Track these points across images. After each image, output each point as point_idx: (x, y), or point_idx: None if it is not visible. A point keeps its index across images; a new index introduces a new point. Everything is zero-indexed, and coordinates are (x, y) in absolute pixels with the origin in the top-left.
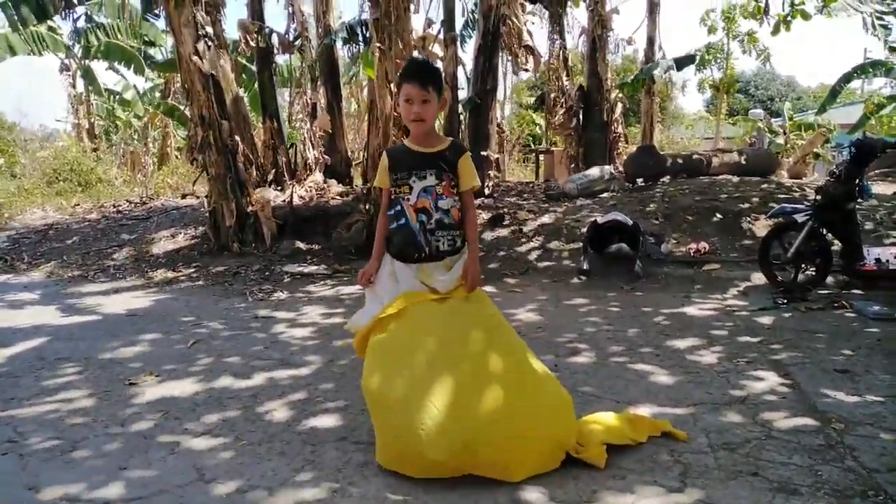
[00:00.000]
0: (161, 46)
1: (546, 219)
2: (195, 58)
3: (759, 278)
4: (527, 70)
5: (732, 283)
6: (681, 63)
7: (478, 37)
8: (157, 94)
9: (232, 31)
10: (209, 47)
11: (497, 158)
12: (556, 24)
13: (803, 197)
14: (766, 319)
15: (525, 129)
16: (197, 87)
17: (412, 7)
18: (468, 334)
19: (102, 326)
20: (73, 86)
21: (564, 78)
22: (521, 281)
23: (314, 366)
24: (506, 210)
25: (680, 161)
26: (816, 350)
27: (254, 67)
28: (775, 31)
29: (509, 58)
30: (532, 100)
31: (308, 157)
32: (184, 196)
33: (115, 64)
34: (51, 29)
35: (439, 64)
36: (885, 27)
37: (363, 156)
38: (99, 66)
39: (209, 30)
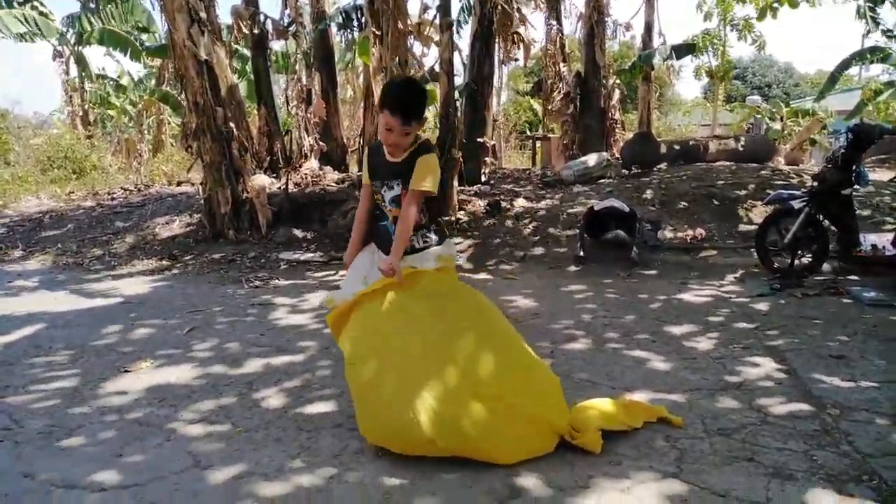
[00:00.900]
0: (154, 33)
1: (543, 205)
2: (189, 43)
3: (755, 265)
4: (516, 60)
5: (729, 270)
6: (680, 51)
7: (474, 22)
8: (152, 82)
9: (226, 17)
10: (203, 33)
11: (493, 145)
12: (553, 10)
13: (800, 183)
14: (762, 305)
15: (522, 115)
16: (191, 73)
17: None
18: (454, 318)
19: (98, 314)
20: (67, 72)
21: (562, 64)
22: (517, 268)
23: (310, 352)
24: (502, 197)
25: (677, 147)
26: (812, 336)
27: (248, 54)
28: (761, 17)
29: (503, 45)
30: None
31: (303, 144)
32: (179, 183)
33: (110, 50)
34: (43, 14)
35: (434, 50)
36: (875, 20)
37: (359, 142)
38: (94, 53)
39: (203, 15)
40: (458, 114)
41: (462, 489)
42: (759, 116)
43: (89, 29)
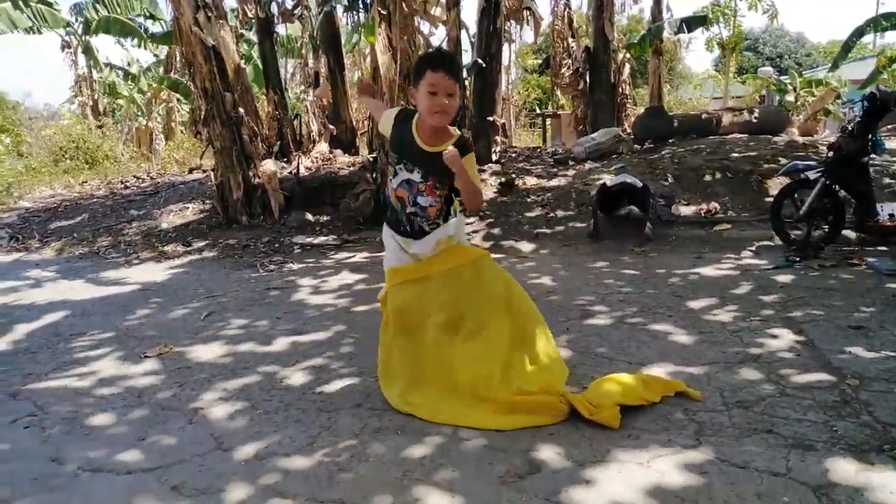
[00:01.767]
0: (161, 21)
1: (555, 183)
2: (195, 29)
3: (771, 237)
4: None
5: (745, 243)
6: (690, 23)
7: None
8: (161, 69)
9: (231, 2)
10: (209, 18)
11: (503, 123)
12: None
13: (816, 154)
14: (779, 278)
15: (531, 93)
16: (198, 59)
17: None
18: (444, 318)
19: (116, 301)
20: (75, 63)
21: (570, 39)
22: (531, 246)
23: (328, 333)
24: (514, 175)
25: (689, 121)
26: (830, 307)
27: (255, 38)
28: None
29: (512, 21)
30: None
31: (312, 128)
32: (190, 170)
33: (119, 39)
34: (48, 4)
35: (442, 28)
36: None
37: (368, 125)
38: (102, 43)
39: (208, 0)
40: (468, 92)
41: (481, 464)
42: (771, 88)
43: (95, 18)
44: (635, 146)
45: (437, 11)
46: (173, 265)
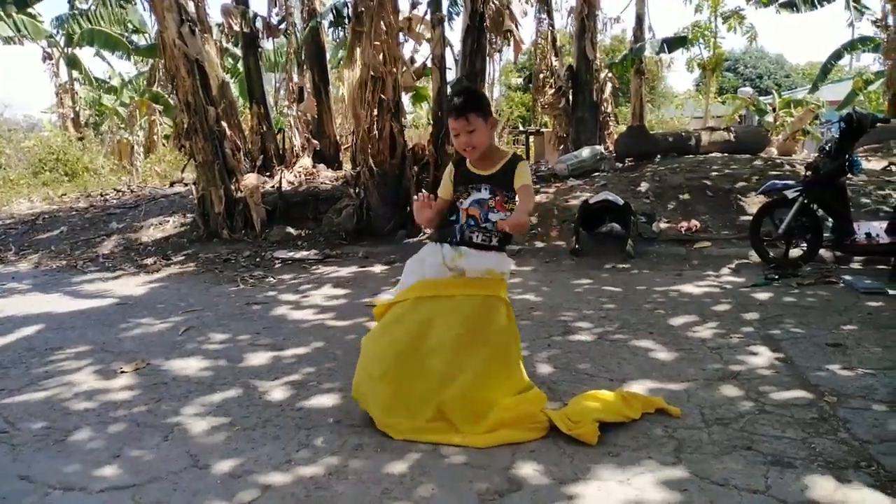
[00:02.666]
0: (146, 34)
1: (538, 200)
2: (179, 43)
3: (750, 255)
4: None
5: (724, 261)
6: (671, 43)
7: (465, 17)
8: (144, 82)
9: (216, 16)
10: (193, 32)
11: None
12: (544, 4)
13: (794, 173)
14: (758, 295)
15: (514, 110)
16: (182, 72)
17: None
18: (453, 334)
19: (93, 315)
20: (57, 74)
21: (553, 58)
22: (514, 262)
23: (307, 349)
24: None
25: (670, 140)
26: (808, 325)
27: (239, 52)
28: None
29: (495, 39)
30: (521, 81)
31: (296, 143)
32: (172, 184)
33: (101, 50)
34: (31, 16)
35: (426, 45)
36: (858, 10)
37: (352, 140)
38: (85, 54)
39: (193, 14)
40: None
41: (461, 482)
42: (750, 109)
43: (79, 31)
44: (617, 164)
45: (421, 29)
46: (153, 279)
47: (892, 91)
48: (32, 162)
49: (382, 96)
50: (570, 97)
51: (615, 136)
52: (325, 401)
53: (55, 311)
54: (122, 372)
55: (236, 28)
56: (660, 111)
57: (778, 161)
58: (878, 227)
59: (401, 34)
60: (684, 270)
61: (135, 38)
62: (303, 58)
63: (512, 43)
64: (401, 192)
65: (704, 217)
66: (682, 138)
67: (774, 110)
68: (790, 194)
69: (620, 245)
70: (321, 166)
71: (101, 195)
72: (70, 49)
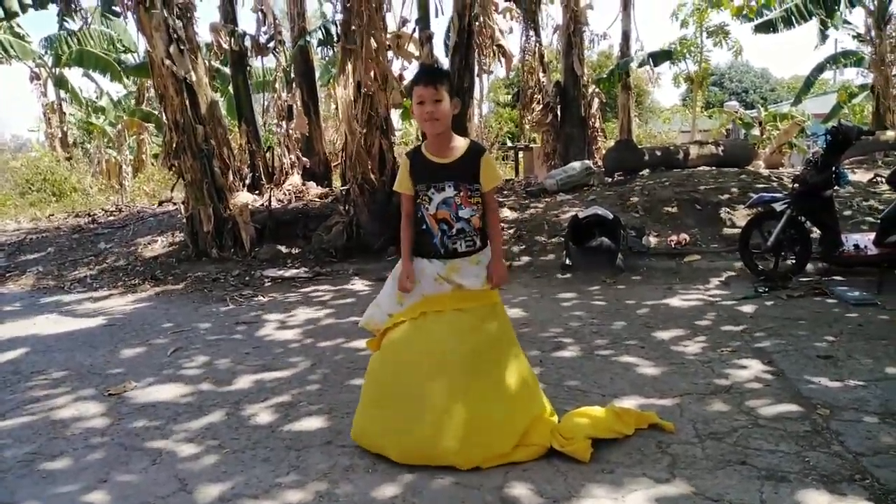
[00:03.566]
0: (135, 53)
1: (527, 215)
2: (168, 62)
3: (740, 268)
4: (490, 72)
5: (714, 274)
6: (657, 58)
7: (453, 34)
8: (132, 102)
9: (205, 35)
10: (182, 51)
11: None
12: (531, 21)
13: (781, 186)
14: (748, 308)
15: (503, 126)
16: (170, 91)
17: (385, 6)
18: (468, 349)
19: (80, 337)
20: (45, 94)
21: (541, 74)
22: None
23: (297, 369)
24: None
25: (658, 154)
26: (799, 337)
27: (228, 71)
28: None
29: (484, 56)
30: (509, 97)
31: (285, 161)
32: (160, 203)
33: (90, 71)
34: (19, 36)
35: (415, 63)
36: (823, 35)
37: (341, 157)
38: (73, 74)
39: (181, 33)
40: None
41: (454, 503)
42: (737, 122)
43: (67, 51)
44: (606, 179)
45: (410, 47)
46: (141, 299)
47: (877, 103)
48: (19, 182)
49: (372, 113)
50: (559, 113)
51: (603, 151)
52: (315, 422)
53: (42, 332)
54: (109, 395)
55: (225, 45)
56: (647, 126)
57: (765, 174)
58: (865, 239)
59: (389, 52)
60: (674, 284)
61: (124, 56)
62: (292, 76)
63: (503, 61)
64: (390, 208)
65: (693, 230)
66: (670, 152)
67: (760, 124)
68: (778, 207)
69: (610, 259)
70: (311, 184)
71: (90, 215)
72: (58, 69)
